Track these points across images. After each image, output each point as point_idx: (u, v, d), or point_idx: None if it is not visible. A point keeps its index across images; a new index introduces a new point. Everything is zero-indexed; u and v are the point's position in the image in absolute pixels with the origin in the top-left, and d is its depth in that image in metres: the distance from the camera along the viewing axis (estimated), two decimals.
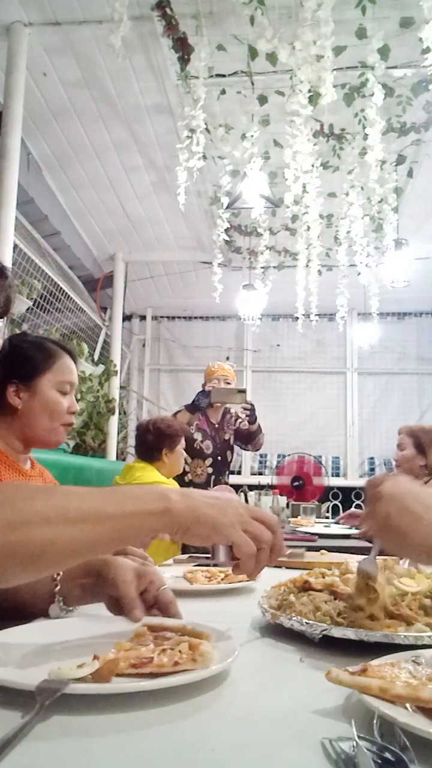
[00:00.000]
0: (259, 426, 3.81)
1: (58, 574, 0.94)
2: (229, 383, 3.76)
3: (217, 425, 3.76)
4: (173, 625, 0.83)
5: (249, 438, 3.83)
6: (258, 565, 0.75)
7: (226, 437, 3.78)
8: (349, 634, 0.80)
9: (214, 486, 3.55)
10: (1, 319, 0.95)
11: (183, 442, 2.94)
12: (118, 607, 0.90)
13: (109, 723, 0.58)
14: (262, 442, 3.93)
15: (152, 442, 2.82)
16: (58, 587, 0.94)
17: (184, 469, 3.12)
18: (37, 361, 1.47)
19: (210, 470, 3.65)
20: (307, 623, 0.83)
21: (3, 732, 0.53)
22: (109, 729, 0.57)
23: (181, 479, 3.31)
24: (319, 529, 3.07)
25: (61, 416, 1.48)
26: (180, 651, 0.70)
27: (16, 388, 1.43)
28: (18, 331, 3.26)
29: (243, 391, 3.70)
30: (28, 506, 0.66)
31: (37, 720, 0.56)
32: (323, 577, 0.98)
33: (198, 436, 3.66)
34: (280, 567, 1.54)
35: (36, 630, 0.87)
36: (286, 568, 1.52)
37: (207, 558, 1.55)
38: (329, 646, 0.80)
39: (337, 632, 0.80)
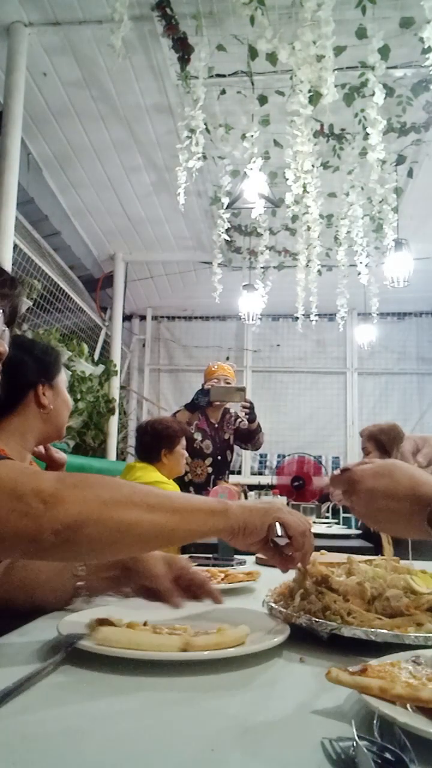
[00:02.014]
0: (258, 425, 3.80)
1: (82, 570, 0.98)
2: (229, 383, 3.75)
3: (216, 425, 3.75)
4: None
5: (249, 437, 3.82)
6: (308, 544, 0.87)
7: (226, 437, 3.77)
8: (359, 633, 0.79)
9: (213, 486, 3.54)
10: (8, 328, 0.96)
11: (183, 443, 2.92)
12: (151, 595, 0.97)
13: (109, 720, 0.58)
14: (261, 441, 3.92)
15: (150, 443, 2.82)
16: (82, 582, 0.98)
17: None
18: (56, 362, 1.56)
19: (210, 470, 3.65)
20: (316, 622, 0.82)
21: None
22: (109, 726, 0.57)
23: (181, 479, 3.31)
24: (321, 529, 3.07)
25: (70, 410, 1.61)
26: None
27: (43, 388, 1.50)
28: (18, 332, 3.26)
29: (242, 390, 3.72)
30: (118, 489, 0.76)
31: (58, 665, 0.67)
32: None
33: (198, 435, 3.66)
34: (273, 566, 1.53)
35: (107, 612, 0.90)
36: (262, 559, 1.52)
37: (206, 558, 1.55)
38: (329, 645, 0.80)
39: (347, 631, 0.79)
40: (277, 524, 0.85)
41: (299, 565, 0.91)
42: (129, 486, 0.79)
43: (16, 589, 0.98)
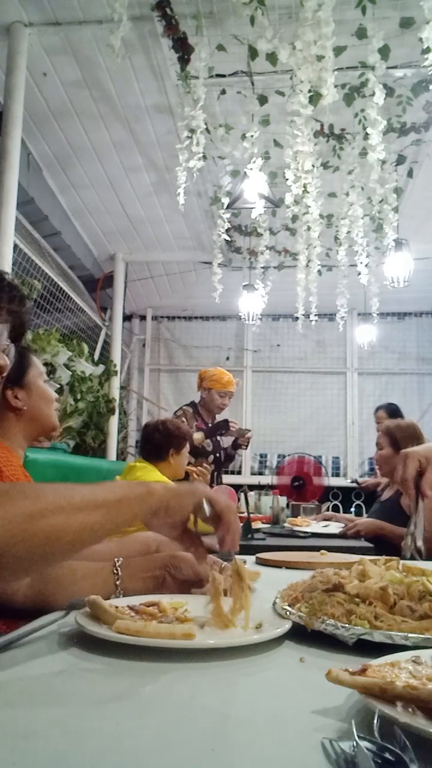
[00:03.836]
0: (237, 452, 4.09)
1: (118, 574, 1.01)
2: (231, 397, 3.96)
3: (211, 425, 3.86)
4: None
5: (229, 458, 4.09)
6: (235, 527, 0.89)
7: (218, 438, 3.87)
8: (390, 638, 0.77)
9: (218, 484, 3.59)
10: (14, 344, 0.97)
11: (188, 447, 2.95)
12: (188, 589, 1.03)
13: (109, 720, 0.58)
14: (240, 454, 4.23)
15: (160, 441, 2.83)
16: (120, 582, 1.01)
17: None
18: (22, 360, 1.56)
19: (212, 467, 3.74)
20: (342, 627, 0.80)
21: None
22: (109, 726, 0.57)
23: (185, 480, 3.33)
24: (318, 528, 3.07)
25: (53, 401, 1.62)
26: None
27: (12, 392, 1.51)
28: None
29: (249, 431, 4.10)
30: (40, 498, 0.74)
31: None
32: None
33: (199, 435, 3.71)
34: (280, 567, 1.54)
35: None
36: (287, 568, 1.52)
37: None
38: (330, 645, 0.80)
39: (378, 636, 0.77)
40: (205, 501, 0.86)
41: (229, 554, 0.93)
42: (51, 489, 0.77)
43: (52, 587, 0.99)
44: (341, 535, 2.89)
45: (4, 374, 0.94)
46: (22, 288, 0.99)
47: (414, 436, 2.99)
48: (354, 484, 4.62)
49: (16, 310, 0.97)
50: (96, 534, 0.78)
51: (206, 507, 0.86)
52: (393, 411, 4.87)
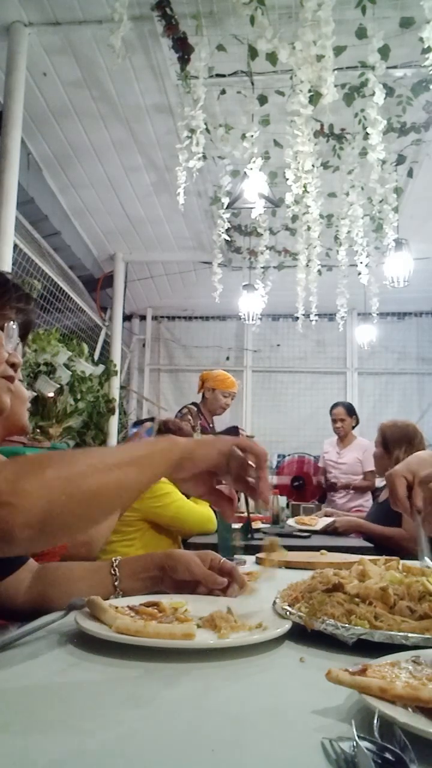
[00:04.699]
0: None
1: (116, 575, 1.02)
2: (234, 398, 3.96)
3: (212, 426, 3.87)
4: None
5: None
6: (265, 461, 0.88)
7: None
8: (391, 637, 0.76)
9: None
10: (21, 342, 0.99)
11: None
12: (189, 589, 1.03)
13: (110, 720, 0.58)
14: None
15: None
16: (118, 582, 1.02)
17: None
18: None
19: None
20: (342, 627, 0.80)
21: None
22: (109, 726, 0.57)
23: None
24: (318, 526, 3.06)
25: (26, 401, 1.45)
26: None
27: None
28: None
29: (253, 437, 4.09)
30: (76, 461, 0.76)
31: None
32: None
33: (201, 435, 3.72)
34: (279, 567, 1.54)
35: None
36: (287, 568, 1.52)
37: None
38: (330, 645, 0.80)
39: (378, 636, 0.77)
40: (234, 447, 0.87)
41: (258, 501, 0.93)
42: (82, 453, 0.80)
43: (51, 588, 0.99)
44: (322, 531, 2.89)
45: (18, 371, 0.96)
46: (22, 288, 1.01)
47: (405, 437, 2.92)
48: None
49: (23, 309, 0.99)
50: (132, 489, 0.80)
51: (237, 450, 0.86)
52: (349, 408, 4.95)
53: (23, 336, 1.02)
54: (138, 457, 0.81)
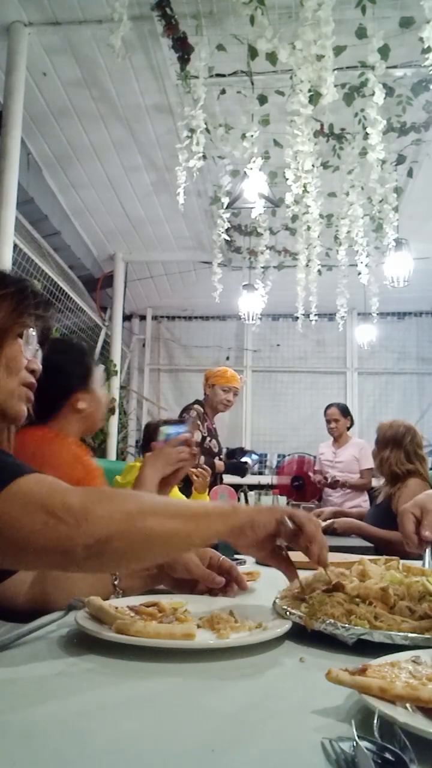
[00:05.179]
0: None
1: (115, 574, 1.03)
2: (237, 394, 3.96)
3: (214, 425, 3.87)
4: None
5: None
6: (319, 539, 0.89)
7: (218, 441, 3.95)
8: (390, 638, 0.76)
9: (218, 484, 3.60)
10: (40, 348, 1.00)
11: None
12: (188, 588, 1.05)
13: (110, 720, 0.58)
14: None
15: None
16: (118, 581, 1.03)
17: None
18: (91, 365, 1.74)
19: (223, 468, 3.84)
20: (342, 627, 0.80)
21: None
22: (109, 727, 0.57)
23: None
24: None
25: (105, 405, 1.75)
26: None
27: (79, 396, 1.66)
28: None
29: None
30: (141, 501, 0.82)
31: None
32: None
33: (203, 437, 3.72)
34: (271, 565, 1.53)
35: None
36: (270, 566, 1.51)
37: None
38: (330, 645, 0.80)
39: (377, 636, 0.77)
40: (286, 518, 0.88)
41: (320, 568, 0.93)
42: (149, 497, 0.86)
43: (51, 588, 1.00)
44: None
45: (37, 377, 0.98)
46: (42, 294, 1.01)
47: (393, 438, 2.91)
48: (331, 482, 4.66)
49: (42, 315, 1.01)
50: (185, 541, 0.84)
51: (288, 522, 0.88)
52: (343, 409, 4.93)
53: (42, 343, 1.03)
54: (198, 513, 0.84)
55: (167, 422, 1.98)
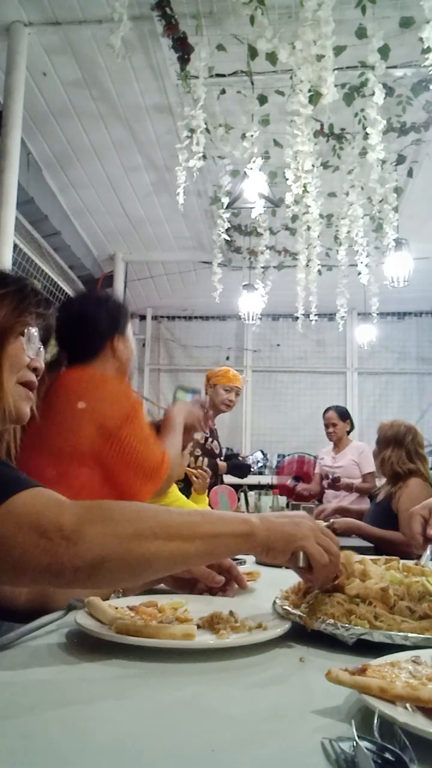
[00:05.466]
0: None
1: None
2: (238, 393, 3.94)
3: (215, 426, 3.87)
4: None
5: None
6: (329, 575, 0.86)
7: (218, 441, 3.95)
8: (390, 638, 0.76)
9: (220, 484, 3.60)
10: (43, 346, 1.00)
11: (189, 447, 2.94)
12: (187, 587, 1.06)
13: (110, 720, 0.58)
14: None
15: None
16: None
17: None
18: (126, 315, 1.78)
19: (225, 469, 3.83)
20: (342, 626, 0.80)
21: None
22: (109, 727, 0.57)
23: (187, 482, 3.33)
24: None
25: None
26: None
27: (117, 339, 1.72)
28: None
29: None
30: (139, 522, 0.77)
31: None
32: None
33: (204, 437, 3.71)
34: (280, 567, 1.53)
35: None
36: (286, 567, 1.51)
37: None
38: (330, 645, 0.80)
39: (377, 636, 0.77)
40: (301, 554, 0.84)
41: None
42: (152, 515, 0.79)
43: (51, 588, 0.99)
44: None
45: (39, 375, 0.98)
46: (42, 292, 1.01)
47: (394, 438, 2.91)
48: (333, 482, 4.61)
49: (43, 313, 1.00)
50: (188, 562, 0.82)
51: (301, 559, 0.84)
52: (341, 412, 4.77)
53: (45, 341, 1.03)
54: (206, 534, 0.79)
55: (183, 387, 2.07)
